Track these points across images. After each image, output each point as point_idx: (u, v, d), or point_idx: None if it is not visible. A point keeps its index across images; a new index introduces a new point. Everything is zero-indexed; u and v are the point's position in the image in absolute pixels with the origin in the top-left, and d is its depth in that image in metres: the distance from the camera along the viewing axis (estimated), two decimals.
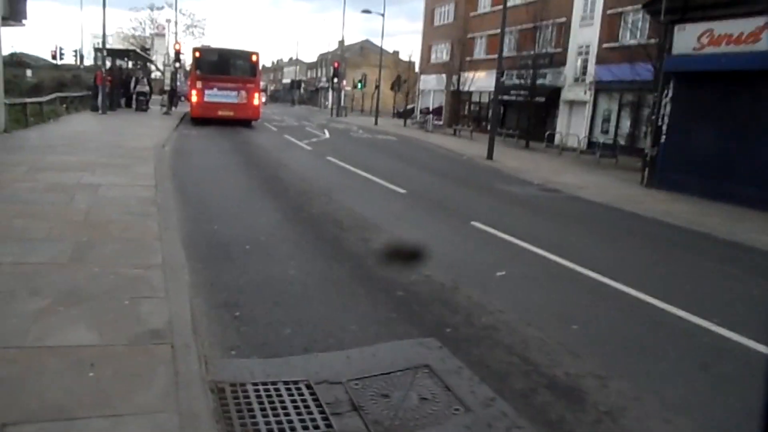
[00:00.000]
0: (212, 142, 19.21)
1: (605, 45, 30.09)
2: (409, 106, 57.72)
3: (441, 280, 6.18)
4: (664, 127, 15.90)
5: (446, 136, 33.21)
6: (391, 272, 6.22)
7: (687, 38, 15.14)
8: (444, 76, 44.39)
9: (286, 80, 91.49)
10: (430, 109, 46.70)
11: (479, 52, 40.13)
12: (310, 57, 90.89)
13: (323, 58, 78.03)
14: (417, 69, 53.89)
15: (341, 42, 76.96)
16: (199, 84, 25.47)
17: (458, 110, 41.72)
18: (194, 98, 25.64)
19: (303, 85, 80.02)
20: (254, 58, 26.63)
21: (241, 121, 26.60)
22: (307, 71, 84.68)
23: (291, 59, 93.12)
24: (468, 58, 39.93)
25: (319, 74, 79.12)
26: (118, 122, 22.48)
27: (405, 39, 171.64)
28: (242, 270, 6.08)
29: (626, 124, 29.38)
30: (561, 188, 14.85)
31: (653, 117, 16.39)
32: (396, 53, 67.75)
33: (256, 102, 26.43)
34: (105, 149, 13.80)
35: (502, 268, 7.03)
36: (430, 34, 47.39)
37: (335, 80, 45.86)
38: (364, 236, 7.89)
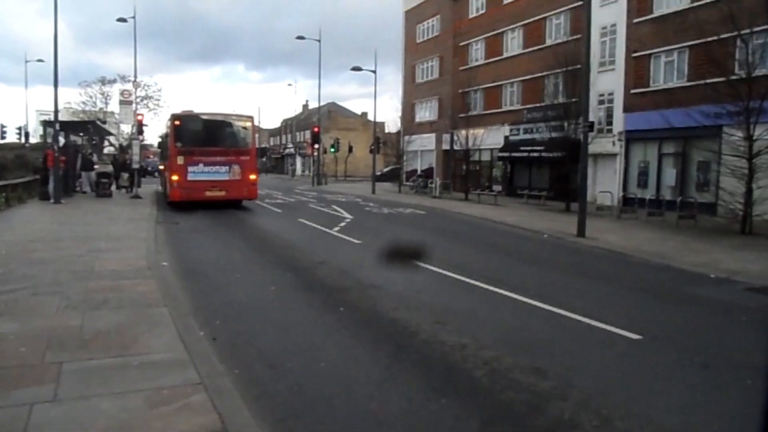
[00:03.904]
0: (221, 243, 13.17)
1: (633, 91, 25.96)
2: (387, 168, 52.76)
3: None
4: None
5: (459, 201, 27.99)
6: None
7: None
8: (433, 135, 39.79)
9: None
10: (418, 170, 41.76)
11: (475, 107, 35.52)
12: (269, 124, 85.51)
13: (287, 124, 72.83)
14: (388, 129, 49.12)
15: (305, 106, 72.44)
16: (180, 159, 19.45)
17: (455, 171, 36.73)
18: (174, 177, 19.56)
19: (268, 152, 74.26)
20: (248, 124, 20.89)
21: (232, 202, 20.66)
22: (269, 138, 79.04)
23: None
24: (461, 115, 35.03)
25: (284, 141, 73.58)
26: (78, 216, 16.14)
27: (360, 102, 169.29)
28: None
29: (670, 177, 24.83)
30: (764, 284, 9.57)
31: None
32: (365, 114, 63.41)
33: (252, 177, 20.55)
34: (69, 283, 7.67)
35: None
36: (412, 92, 42.88)
37: (316, 146, 40.39)
38: None
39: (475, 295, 8.42)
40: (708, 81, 18.20)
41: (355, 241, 13.32)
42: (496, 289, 8.51)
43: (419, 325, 6.63)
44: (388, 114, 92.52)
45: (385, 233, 15.47)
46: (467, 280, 9.15)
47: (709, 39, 18.29)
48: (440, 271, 9.73)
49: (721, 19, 17.29)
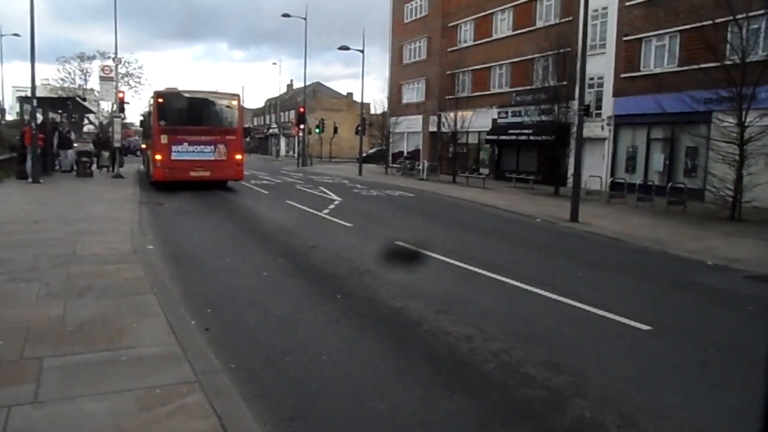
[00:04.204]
0: (208, 225, 12.71)
1: (623, 75, 25.75)
2: (372, 150, 52.20)
3: None
4: None
5: (447, 184, 27.70)
6: None
7: None
8: (420, 117, 39.33)
9: None
10: (405, 152, 41.35)
11: (463, 89, 35.00)
12: (253, 104, 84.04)
13: (271, 104, 71.66)
14: (374, 110, 48.45)
15: (290, 86, 71.25)
16: (164, 138, 18.81)
17: (442, 153, 36.40)
18: (158, 157, 18.93)
19: (252, 132, 73.06)
20: (234, 102, 20.28)
21: (217, 183, 20.12)
22: (253, 118, 77.77)
23: None
24: (449, 97, 34.53)
25: (268, 121, 72.44)
26: (58, 197, 15.53)
27: (345, 83, 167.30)
28: None
29: (658, 163, 24.76)
30: None
31: None
32: (350, 95, 62.61)
33: (239, 157, 19.99)
34: (49, 269, 7.22)
35: None
36: (399, 73, 42.23)
37: (301, 126, 39.66)
38: None
39: (475, 282, 8.13)
40: (701, 66, 17.99)
41: (346, 224, 12.95)
42: (496, 276, 8.23)
43: (422, 315, 6.33)
44: (374, 95, 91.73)
45: (375, 216, 15.15)
46: (465, 266, 8.86)
47: (704, 23, 18.04)
48: (436, 256, 9.42)
49: (716, 2, 17.05)
